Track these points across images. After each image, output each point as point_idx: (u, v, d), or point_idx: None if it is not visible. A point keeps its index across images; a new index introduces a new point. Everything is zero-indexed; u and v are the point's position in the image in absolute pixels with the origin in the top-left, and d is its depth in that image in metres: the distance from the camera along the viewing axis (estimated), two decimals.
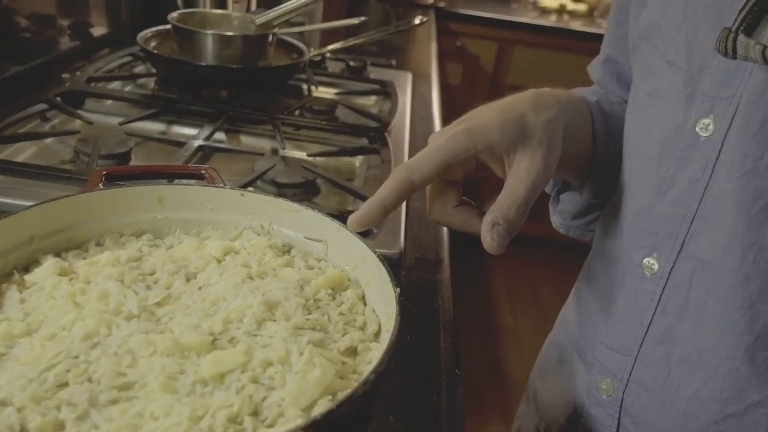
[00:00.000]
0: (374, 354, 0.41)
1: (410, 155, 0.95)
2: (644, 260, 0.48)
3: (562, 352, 0.60)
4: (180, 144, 0.87)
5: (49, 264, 0.45)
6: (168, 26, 1.07)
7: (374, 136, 0.98)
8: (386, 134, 0.98)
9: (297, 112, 1.06)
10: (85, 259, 0.47)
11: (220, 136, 0.95)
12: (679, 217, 0.46)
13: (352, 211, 0.50)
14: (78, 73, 1.07)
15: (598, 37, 0.64)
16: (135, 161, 0.85)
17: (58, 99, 0.94)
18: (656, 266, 0.47)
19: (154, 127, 0.97)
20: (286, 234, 0.52)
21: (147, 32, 1.10)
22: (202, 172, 0.55)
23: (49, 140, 0.89)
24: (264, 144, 0.97)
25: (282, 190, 0.80)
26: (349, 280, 0.48)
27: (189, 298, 0.44)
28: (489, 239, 0.45)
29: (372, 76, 1.31)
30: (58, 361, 0.36)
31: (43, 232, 0.47)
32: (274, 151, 0.92)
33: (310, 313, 0.43)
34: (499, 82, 2.57)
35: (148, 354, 0.38)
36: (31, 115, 0.91)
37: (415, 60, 1.61)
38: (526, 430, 0.65)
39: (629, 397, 0.50)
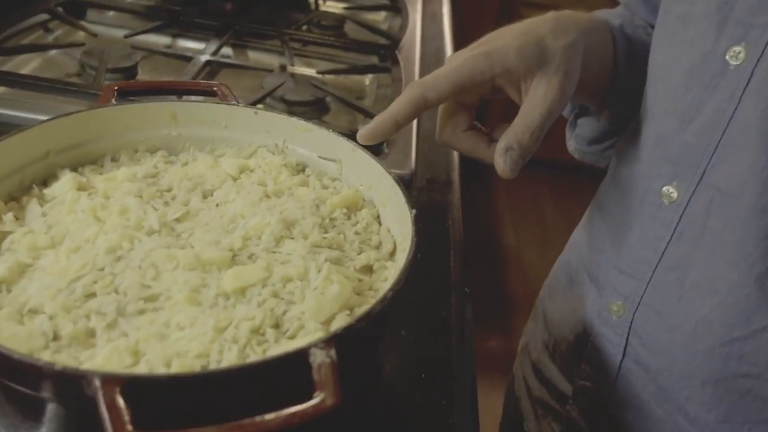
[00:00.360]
0: (390, 272, 0.43)
1: (421, 73, 0.93)
2: (663, 188, 0.48)
3: (573, 273, 0.61)
4: (187, 58, 0.85)
5: (68, 178, 0.45)
6: None
7: (384, 53, 0.96)
8: (397, 52, 0.96)
9: (304, 27, 1.03)
10: (101, 174, 0.48)
11: (227, 51, 0.93)
12: (702, 146, 0.45)
13: None
14: None
15: None
16: (141, 75, 0.83)
17: (60, 9, 0.91)
18: (675, 195, 0.47)
19: (159, 40, 0.95)
20: (300, 153, 0.52)
21: None
22: (215, 88, 0.55)
23: (53, 52, 0.87)
24: (272, 60, 0.95)
25: (292, 107, 0.80)
26: (363, 200, 0.49)
27: (207, 214, 0.45)
28: (502, 164, 0.45)
29: None
30: (84, 273, 0.38)
31: (59, 146, 0.47)
32: (283, 68, 0.91)
33: (326, 232, 0.44)
34: None
35: (171, 268, 0.39)
36: (33, 25, 0.88)
37: None
38: (534, 346, 0.67)
39: (639, 319, 0.51)
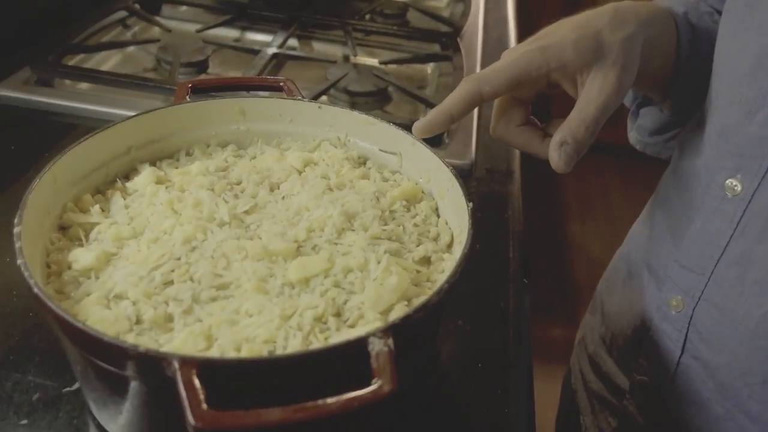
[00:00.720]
0: (447, 264, 0.44)
1: (483, 62, 0.93)
2: (727, 181, 0.47)
3: (632, 266, 0.61)
4: (254, 51, 0.88)
5: (147, 173, 0.49)
6: None
7: (446, 41, 0.96)
8: (458, 39, 0.96)
9: (368, 17, 1.04)
10: (177, 168, 0.51)
11: (292, 42, 0.96)
12: (767, 138, 0.44)
13: None
14: None
15: None
16: (212, 68, 0.87)
17: (137, 6, 0.96)
18: (739, 188, 0.46)
19: (229, 33, 0.98)
20: (361, 146, 0.54)
21: None
22: (281, 84, 0.57)
23: (131, 48, 0.92)
24: (335, 51, 0.97)
25: (354, 98, 0.81)
26: (422, 192, 0.50)
27: (274, 207, 0.47)
28: (556, 158, 0.45)
29: None
30: (163, 262, 0.41)
31: (139, 142, 0.51)
32: (346, 58, 0.93)
33: (386, 224, 0.46)
34: None
35: (241, 258, 0.42)
36: (113, 23, 0.94)
37: None
38: (591, 339, 0.67)
39: (699, 314, 0.51)
